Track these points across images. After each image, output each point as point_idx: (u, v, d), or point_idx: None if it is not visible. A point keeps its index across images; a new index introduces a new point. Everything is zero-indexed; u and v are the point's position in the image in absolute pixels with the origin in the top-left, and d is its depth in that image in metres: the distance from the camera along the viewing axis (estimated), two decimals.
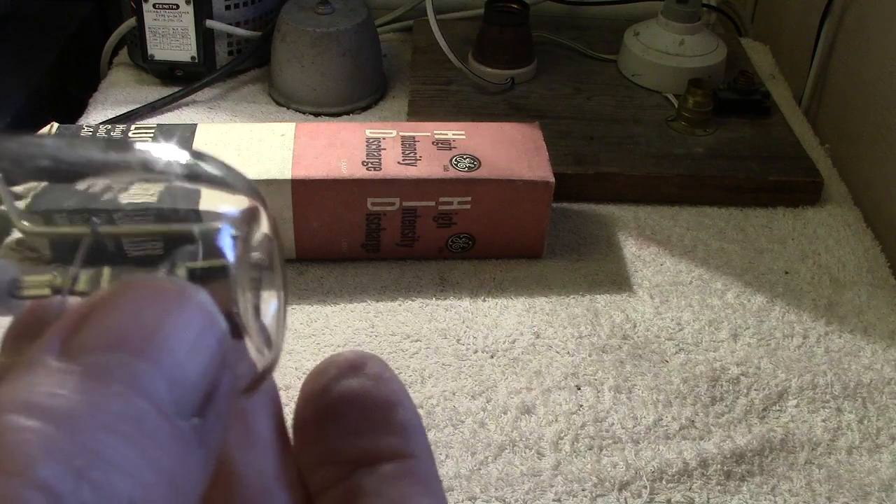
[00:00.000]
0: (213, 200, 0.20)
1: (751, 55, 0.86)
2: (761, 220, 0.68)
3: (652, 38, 0.79)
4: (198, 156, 0.20)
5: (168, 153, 0.19)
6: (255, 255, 0.20)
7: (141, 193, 0.20)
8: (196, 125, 0.62)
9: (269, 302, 0.20)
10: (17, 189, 0.20)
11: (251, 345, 0.19)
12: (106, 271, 0.19)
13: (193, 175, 0.19)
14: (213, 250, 0.19)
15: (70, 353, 0.16)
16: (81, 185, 0.20)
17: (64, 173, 0.19)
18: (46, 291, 0.19)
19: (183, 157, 0.19)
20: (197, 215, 0.20)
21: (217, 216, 0.20)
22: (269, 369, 0.20)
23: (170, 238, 0.20)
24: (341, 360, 0.21)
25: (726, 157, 0.71)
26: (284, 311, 0.21)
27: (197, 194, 0.20)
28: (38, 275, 0.20)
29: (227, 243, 0.19)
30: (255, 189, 0.20)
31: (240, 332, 0.19)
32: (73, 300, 0.19)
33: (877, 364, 0.57)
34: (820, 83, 0.84)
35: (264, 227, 0.20)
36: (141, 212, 0.20)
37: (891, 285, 0.63)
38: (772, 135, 0.74)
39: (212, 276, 0.19)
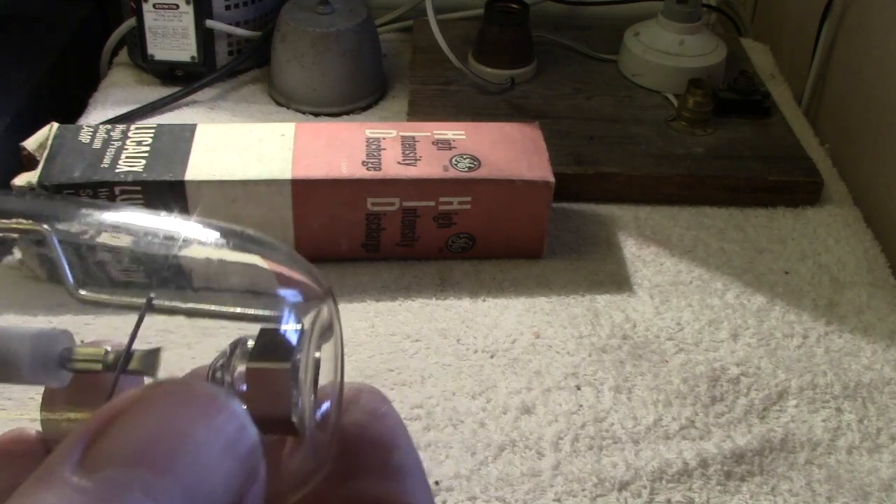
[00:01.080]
0: (278, 286, 0.19)
1: (751, 55, 0.86)
2: (761, 220, 0.68)
3: (652, 38, 0.79)
4: (261, 239, 0.19)
5: (232, 234, 0.19)
6: (317, 353, 0.19)
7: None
8: (196, 125, 0.62)
9: (323, 401, 0.19)
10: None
11: (305, 444, 0.18)
12: (160, 353, 0.19)
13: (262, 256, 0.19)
14: (279, 343, 0.18)
15: (88, 466, 0.15)
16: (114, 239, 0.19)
17: (138, 243, 0.19)
18: (98, 367, 0.19)
19: (247, 238, 0.19)
20: (261, 296, 0.19)
21: (281, 302, 0.19)
22: (320, 469, 0.19)
23: (232, 320, 0.19)
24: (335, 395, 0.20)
25: (726, 157, 0.71)
26: (338, 412, 0.20)
27: (173, 244, 0.19)
28: (92, 349, 0.19)
29: (292, 336, 0.18)
30: (318, 274, 0.19)
31: (296, 430, 0.18)
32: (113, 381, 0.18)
33: (877, 364, 0.57)
34: (820, 83, 0.84)
35: (325, 314, 0.19)
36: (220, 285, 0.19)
37: (891, 285, 0.63)
38: (772, 135, 0.74)
39: (276, 371, 0.18)
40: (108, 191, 0.57)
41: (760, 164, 0.70)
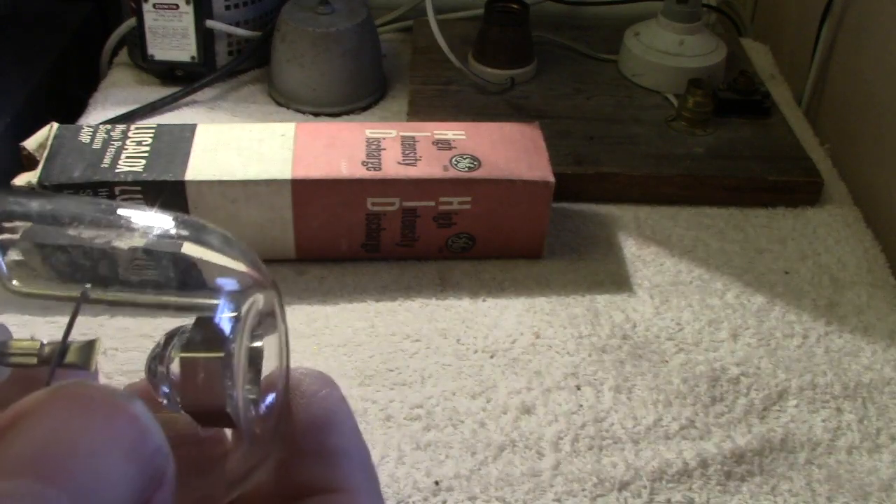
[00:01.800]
0: (214, 274, 0.18)
1: (751, 55, 0.86)
2: (761, 220, 0.68)
3: (652, 38, 0.79)
4: (199, 227, 0.19)
5: (168, 223, 0.18)
6: (257, 342, 0.18)
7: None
8: (196, 125, 0.62)
9: (268, 393, 0.19)
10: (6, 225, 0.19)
11: (243, 437, 0.18)
12: (97, 345, 0.18)
13: (196, 243, 0.18)
14: (212, 333, 0.18)
15: None
16: (72, 232, 0.19)
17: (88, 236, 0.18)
18: (33, 361, 0.18)
19: (185, 226, 0.18)
20: (197, 285, 0.18)
21: (217, 292, 0.18)
22: (262, 463, 0.18)
23: (168, 311, 0.19)
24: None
25: (726, 157, 0.71)
26: (283, 404, 0.19)
27: (112, 233, 0.19)
28: (27, 342, 0.18)
29: (225, 325, 0.18)
30: (258, 262, 0.19)
31: (233, 422, 0.18)
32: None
33: (877, 364, 0.57)
34: (820, 83, 0.84)
35: (261, 303, 0.19)
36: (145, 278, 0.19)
37: (891, 285, 0.63)
38: (772, 135, 0.74)
39: (208, 360, 0.18)
40: (108, 191, 0.57)
41: (760, 164, 0.70)
